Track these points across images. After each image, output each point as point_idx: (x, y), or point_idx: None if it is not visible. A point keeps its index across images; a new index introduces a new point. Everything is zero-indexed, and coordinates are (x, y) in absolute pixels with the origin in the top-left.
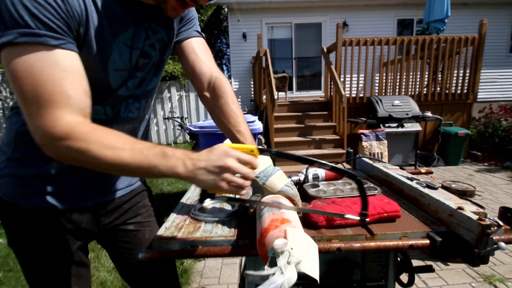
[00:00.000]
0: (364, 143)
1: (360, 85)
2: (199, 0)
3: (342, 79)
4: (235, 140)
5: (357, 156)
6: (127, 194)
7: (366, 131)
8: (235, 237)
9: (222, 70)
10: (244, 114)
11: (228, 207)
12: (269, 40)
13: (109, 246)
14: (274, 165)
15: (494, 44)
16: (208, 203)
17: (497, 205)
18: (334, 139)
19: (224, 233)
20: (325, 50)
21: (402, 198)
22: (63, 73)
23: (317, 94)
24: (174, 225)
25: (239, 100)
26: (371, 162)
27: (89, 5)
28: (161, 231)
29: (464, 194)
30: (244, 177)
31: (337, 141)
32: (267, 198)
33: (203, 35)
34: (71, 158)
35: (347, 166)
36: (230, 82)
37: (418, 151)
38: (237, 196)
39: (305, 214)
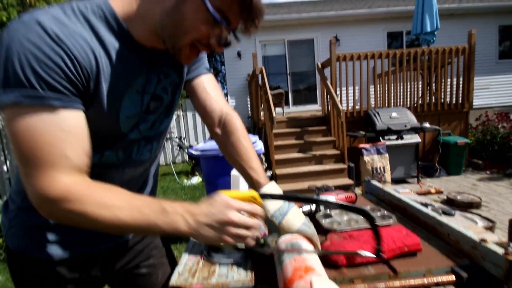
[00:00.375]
0: (365, 158)
1: (356, 98)
2: (214, 47)
3: (338, 93)
4: (247, 177)
5: (366, 179)
6: (138, 236)
7: (366, 146)
8: (253, 282)
9: None
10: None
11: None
12: (264, 57)
13: None
14: (276, 181)
15: (483, 51)
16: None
17: (505, 216)
18: (335, 154)
19: (241, 277)
20: (320, 66)
21: (418, 226)
22: (63, 134)
23: (313, 108)
24: (187, 269)
25: None
26: (381, 186)
27: (100, 59)
28: (175, 278)
29: (471, 206)
30: (249, 227)
31: (338, 156)
32: (284, 240)
33: (211, 70)
34: (68, 220)
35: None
36: (227, 100)
37: (419, 162)
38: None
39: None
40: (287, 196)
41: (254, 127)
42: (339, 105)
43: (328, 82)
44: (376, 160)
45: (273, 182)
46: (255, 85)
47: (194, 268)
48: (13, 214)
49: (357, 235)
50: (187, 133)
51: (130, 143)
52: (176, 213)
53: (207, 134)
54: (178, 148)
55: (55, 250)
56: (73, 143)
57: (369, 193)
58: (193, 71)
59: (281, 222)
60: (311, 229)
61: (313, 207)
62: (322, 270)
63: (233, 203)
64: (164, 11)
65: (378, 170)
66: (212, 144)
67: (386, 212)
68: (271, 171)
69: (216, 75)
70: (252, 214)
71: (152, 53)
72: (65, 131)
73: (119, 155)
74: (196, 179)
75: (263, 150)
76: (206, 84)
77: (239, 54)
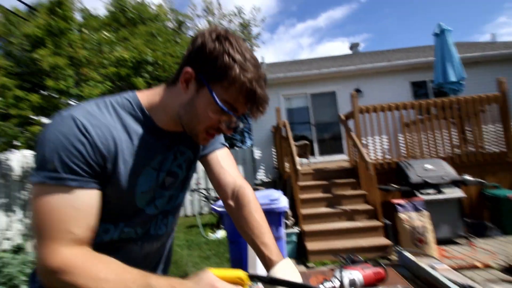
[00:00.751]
0: (401, 215)
1: (385, 148)
2: (224, 131)
3: (364, 142)
4: (259, 252)
5: (397, 248)
6: None
7: (401, 201)
8: None
9: (243, 137)
10: (267, 189)
11: None
12: (287, 109)
13: None
14: (304, 239)
15: None
16: None
17: None
18: (367, 210)
19: None
20: (343, 117)
21: None
22: (73, 211)
23: (340, 158)
24: None
25: (262, 167)
26: (414, 259)
27: (120, 144)
28: None
29: None
30: None
31: (370, 212)
32: None
33: (227, 144)
34: None
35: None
36: (252, 151)
37: (466, 220)
38: None
39: None
40: (278, 281)
41: (280, 178)
42: (367, 157)
43: (353, 134)
44: (414, 218)
45: (287, 260)
46: (279, 138)
47: None
48: (37, 286)
49: None
50: None
51: (149, 219)
52: None
53: None
54: (205, 199)
55: None
56: (81, 220)
57: (403, 267)
58: (209, 146)
59: None
60: None
61: (337, 284)
62: None
63: (218, 284)
64: (182, 104)
65: (418, 230)
66: None
67: None
68: (298, 228)
69: (243, 126)
70: None
71: (170, 135)
72: (76, 208)
73: (138, 231)
74: (221, 233)
75: (287, 207)
76: (221, 158)
77: None
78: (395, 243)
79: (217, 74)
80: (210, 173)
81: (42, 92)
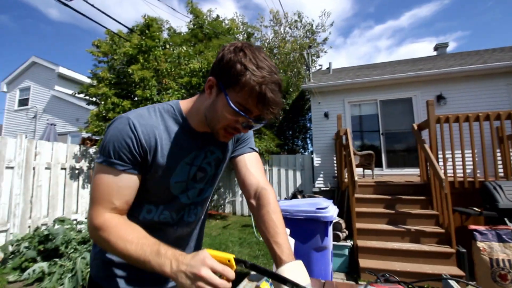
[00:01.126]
0: (479, 244)
1: (469, 166)
2: (241, 130)
3: (441, 157)
4: (272, 250)
5: (443, 275)
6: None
7: (481, 228)
8: None
9: (306, 144)
10: (316, 193)
11: None
12: (353, 116)
13: None
14: (358, 255)
15: None
16: None
17: None
18: (437, 233)
19: None
20: (416, 127)
21: None
22: (118, 188)
23: (413, 172)
24: None
25: (321, 175)
26: None
27: (160, 140)
28: None
29: None
30: (216, 287)
31: (442, 236)
32: None
33: (257, 150)
34: (101, 244)
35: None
36: (312, 158)
37: None
38: None
39: None
40: (259, 268)
41: (338, 187)
42: (441, 173)
43: (426, 146)
44: (496, 249)
45: (297, 262)
46: (339, 146)
47: None
48: (97, 249)
49: None
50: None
51: (182, 207)
52: (166, 257)
53: (291, 189)
54: None
55: (118, 284)
56: (120, 194)
57: None
58: (238, 150)
59: None
60: None
61: None
62: None
63: (208, 261)
64: (207, 107)
65: (501, 264)
66: (288, 204)
67: None
68: (351, 241)
69: (305, 132)
70: (224, 276)
71: (202, 136)
72: (119, 186)
73: (173, 216)
74: None
75: (334, 217)
76: (248, 161)
77: (326, 115)
78: (469, 275)
79: (231, 81)
80: (237, 173)
81: (132, 99)
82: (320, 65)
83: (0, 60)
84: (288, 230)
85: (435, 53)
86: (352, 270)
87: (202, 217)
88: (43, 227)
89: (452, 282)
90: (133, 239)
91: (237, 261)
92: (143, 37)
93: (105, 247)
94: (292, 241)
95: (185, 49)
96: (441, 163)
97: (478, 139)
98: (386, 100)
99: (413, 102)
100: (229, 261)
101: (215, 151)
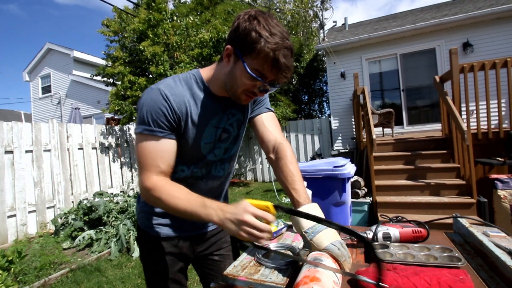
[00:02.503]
0: (500, 192)
1: (494, 117)
2: (258, 94)
3: (464, 109)
4: (290, 196)
5: (454, 215)
6: (214, 229)
7: (503, 176)
8: (285, 286)
9: (323, 108)
10: (335, 156)
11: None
12: (371, 74)
13: (200, 271)
14: (377, 209)
15: None
16: (273, 248)
17: None
18: (458, 185)
19: (277, 279)
20: (438, 79)
21: (496, 277)
22: (160, 153)
23: (435, 128)
24: (241, 265)
25: (340, 138)
26: (467, 225)
27: (189, 107)
28: (230, 268)
29: None
30: (259, 229)
31: (462, 187)
32: (311, 254)
33: (272, 109)
34: (153, 202)
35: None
36: (330, 121)
37: None
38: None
39: (355, 278)
40: (295, 211)
41: (357, 148)
42: (463, 125)
43: (449, 98)
44: None
45: (313, 204)
46: (356, 106)
47: (246, 265)
48: (142, 203)
49: (402, 268)
50: None
51: (210, 164)
52: (212, 208)
53: (310, 154)
54: None
55: (161, 230)
56: (164, 158)
57: (457, 232)
58: (256, 110)
59: (312, 239)
60: (340, 250)
61: (370, 235)
62: (328, 283)
63: (249, 208)
64: (226, 74)
65: None
66: (306, 164)
67: (456, 254)
68: (370, 198)
69: (321, 95)
70: (265, 220)
71: (224, 100)
72: (161, 151)
73: (203, 171)
74: None
75: (351, 174)
76: (265, 120)
77: (342, 75)
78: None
79: (247, 48)
80: (256, 131)
81: (147, 76)
82: (334, 21)
83: (18, 49)
84: (305, 183)
85: None
86: (372, 224)
87: (230, 172)
88: (85, 201)
89: (462, 220)
90: (181, 195)
91: (275, 207)
92: (150, 11)
93: (157, 204)
94: (309, 192)
95: (192, 19)
96: (464, 116)
97: (505, 87)
98: (407, 53)
99: (437, 53)
100: (267, 207)
101: (236, 114)
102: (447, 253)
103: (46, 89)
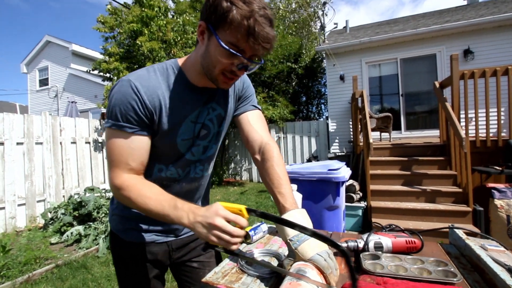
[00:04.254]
0: (497, 201)
1: (493, 124)
2: (237, 73)
3: (463, 116)
4: (276, 200)
5: (450, 225)
6: (193, 235)
7: (501, 186)
8: None
9: (321, 110)
10: (332, 159)
11: (275, 262)
12: (371, 78)
13: (178, 278)
14: (371, 215)
15: None
16: (257, 255)
17: None
18: (454, 192)
19: None
20: (437, 85)
21: None
22: (130, 150)
23: (433, 134)
24: (222, 271)
25: (337, 141)
26: (464, 237)
27: (163, 100)
28: (210, 274)
29: None
30: (230, 234)
31: (459, 195)
32: (296, 265)
33: (259, 107)
34: (122, 200)
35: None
36: (328, 123)
37: None
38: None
39: None
40: (268, 215)
41: (353, 153)
42: (461, 132)
43: (448, 104)
44: None
45: (300, 210)
46: (355, 109)
47: (227, 272)
48: (114, 206)
49: (394, 283)
50: (286, 154)
51: (187, 163)
52: (183, 210)
53: (306, 156)
54: None
55: (133, 235)
56: (134, 155)
57: (452, 244)
58: (240, 108)
59: (297, 248)
60: (326, 261)
61: (361, 244)
62: None
63: (221, 212)
64: (201, 55)
65: None
66: (300, 167)
67: (452, 269)
68: (365, 202)
69: (320, 97)
70: (238, 225)
71: (204, 92)
72: (131, 147)
73: (179, 172)
74: None
75: (346, 178)
76: (251, 118)
77: (341, 78)
78: (484, 232)
79: (219, 20)
80: (241, 131)
81: None
82: (335, 24)
83: (18, 41)
84: (295, 186)
85: (465, 2)
86: (365, 229)
87: (209, 173)
88: (76, 196)
89: (458, 231)
90: (152, 195)
91: (249, 210)
92: (143, 8)
93: (127, 204)
94: (299, 196)
95: (188, 17)
96: (463, 123)
97: (505, 96)
98: (408, 58)
99: (438, 58)
100: (240, 210)
101: (216, 108)
102: (442, 267)
103: (44, 82)
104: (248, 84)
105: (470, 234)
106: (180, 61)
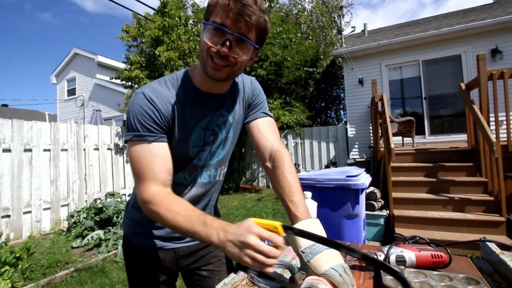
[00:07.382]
0: None
1: None
2: (222, 51)
3: (493, 119)
4: (287, 209)
5: (481, 238)
6: (201, 242)
7: None
8: None
9: (339, 115)
10: (351, 165)
11: (288, 275)
12: (391, 81)
13: (189, 286)
14: (394, 224)
15: None
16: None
17: None
18: (485, 201)
19: None
20: (464, 87)
21: None
22: (154, 158)
23: (461, 139)
24: (232, 283)
25: (356, 146)
26: (498, 251)
27: (177, 108)
28: (219, 286)
29: None
30: (266, 255)
31: (490, 204)
32: (308, 280)
33: (271, 114)
34: (150, 215)
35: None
36: (346, 128)
37: None
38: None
39: None
40: (308, 234)
41: (374, 158)
42: (491, 136)
43: (475, 107)
44: None
45: (313, 219)
46: (374, 114)
47: (237, 284)
48: (128, 209)
49: None
50: (303, 160)
51: (194, 168)
52: (212, 227)
53: (324, 162)
54: None
55: (141, 239)
56: (160, 164)
57: (484, 258)
58: (251, 115)
59: (310, 261)
60: (341, 277)
61: (381, 257)
62: None
63: (254, 229)
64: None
65: None
66: (317, 173)
67: (485, 287)
68: (387, 211)
69: (339, 103)
70: (273, 243)
71: (213, 99)
72: (156, 156)
73: (186, 177)
74: None
75: (366, 185)
76: (261, 125)
77: (360, 81)
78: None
79: (208, 11)
80: (251, 138)
81: None
82: (353, 27)
83: (49, 54)
84: (309, 194)
85: (491, 1)
86: (388, 239)
87: (217, 180)
88: (98, 201)
89: (491, 244)
90: (181, 211)
91: (285, 227)
92: (165, 18)
93: (156, 219)
94: (313, 204)
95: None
96: (492, 126)
97: None
98: (430, 60)
99: (463, 59)
100: (275, 227)
101: (225, 115)
102: (473, 285)
103: (71, 92)
104: (258, 91)
105: (504, 247)
106: (191, 69)
